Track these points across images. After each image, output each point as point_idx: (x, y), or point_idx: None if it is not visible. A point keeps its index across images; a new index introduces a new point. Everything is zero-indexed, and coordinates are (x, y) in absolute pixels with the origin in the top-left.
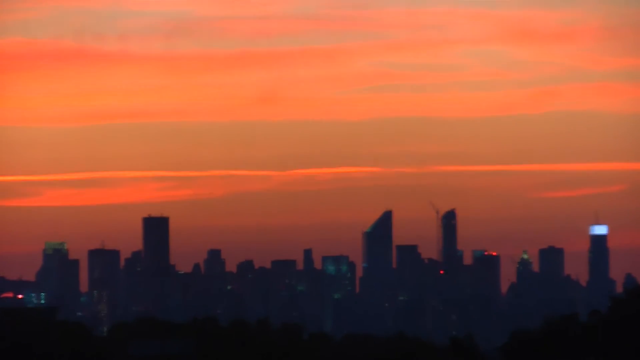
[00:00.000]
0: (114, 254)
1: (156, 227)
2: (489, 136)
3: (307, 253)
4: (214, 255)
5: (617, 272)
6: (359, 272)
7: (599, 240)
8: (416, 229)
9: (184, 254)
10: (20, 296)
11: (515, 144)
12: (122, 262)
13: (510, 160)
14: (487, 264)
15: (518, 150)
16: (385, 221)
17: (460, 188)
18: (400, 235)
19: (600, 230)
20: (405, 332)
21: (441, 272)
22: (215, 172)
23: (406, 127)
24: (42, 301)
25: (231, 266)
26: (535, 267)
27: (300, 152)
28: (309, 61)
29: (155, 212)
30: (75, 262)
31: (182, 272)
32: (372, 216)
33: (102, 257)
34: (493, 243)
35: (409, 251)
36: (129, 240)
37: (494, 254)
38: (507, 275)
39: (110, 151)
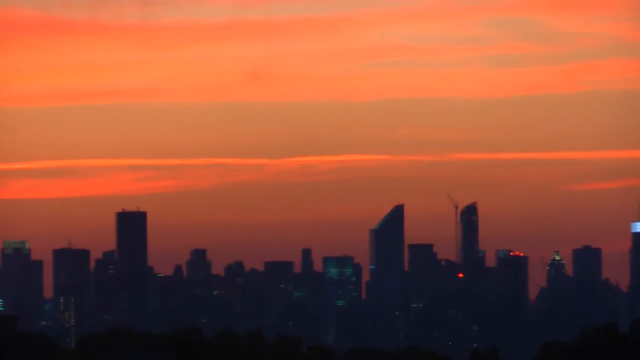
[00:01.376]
0: (83, 254)
1: (132, 224)
2: (516, 119)
3: (306, 254)
4: (199, 256)
5: None
6: (366, 276)
7: None
8: (431, 225)
9: (164, 255)
10: None
11: (546, 128)
12: (92, 264)
13: (541, 147)
14: (513, 266)
15: (550, 136)
16: (395, 217)
17: (482, 179)
18: (413, 233)
19: None
20: (419, 345)
21: (460, 275)
22: (199, 160)
23: (421, 109)
24: (0, 309)
25: (218, 269)
26: (569, 270)
27: (298, 138)
28: (309, 32)
29: (131, 207)
30: (39, 264)
31: (162, 275)
32: (380, 211)
33: (70, 258)
34: (520, 242)
35: (423, 251)
36: (101, 238)
37: (521, 254)
38: (537, 280)
39: (78, 136)
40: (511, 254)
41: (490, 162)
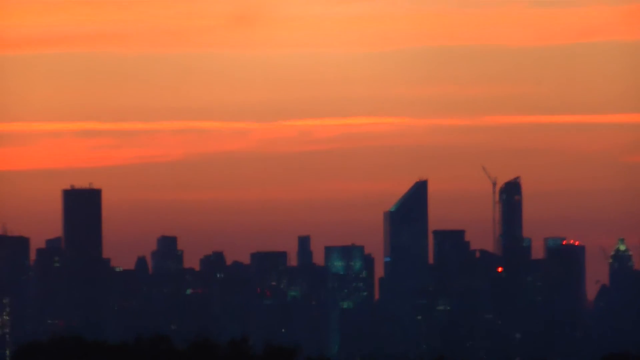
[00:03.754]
0: (21, 242)
1: (83, 204)
2: (568, 73)
3: (303, 242)
4: (168, 245)
5: None
6: (379, 271)
7: None
8: (463, 207)
9: (124, 244)
10: None
11: (605, 84)
12: (33, 255)
13: (600, 107)
14: (567, 258)
15: (610, 94)
16: (417, 196)
17: (527, 148)
18: (440, 216)
19: None
20: (447, 357)
21: (499, 269)
22: (169, 123)
23: (449, 60)
24: None
25: (192, 261)
26: (637, 263)
27: (294, 97)
28: None
29: (82, 182)
30: None
31: (121, 270)
32: (398, 188)
33: (4, 248)
34: (575, 228)
35: (452, 239)
36: (44, 223)
37: (577, 244)
38: (596, 275)
39: (14, 94)
40: (564, 242)
41: (537, 127)
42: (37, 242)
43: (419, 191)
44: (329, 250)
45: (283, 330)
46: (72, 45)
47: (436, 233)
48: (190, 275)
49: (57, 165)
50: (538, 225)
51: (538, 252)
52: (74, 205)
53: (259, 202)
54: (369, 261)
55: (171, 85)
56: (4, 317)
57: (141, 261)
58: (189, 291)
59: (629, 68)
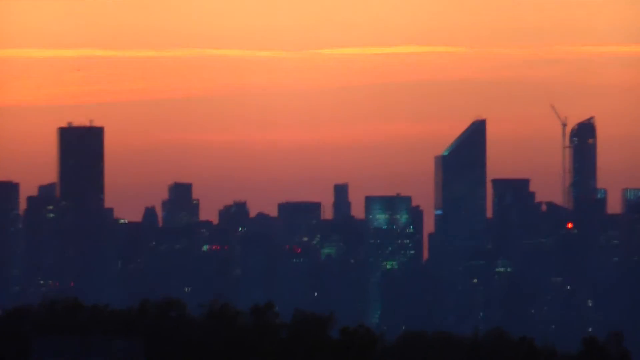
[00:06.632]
0: (9, 189)
1: (82, 145)
2: None
3: (340, 192)
4: (181, 194)
5: None
6: (429, 226)
7: None
8: (527, 152)
9: (129, 192)
10: None
11: None
12: (24, 204)
13: None
14: None
15: None
16: (473, 138)
17: (603, 83)
18: (500, 162)
19: None
20: (507, 327)
21: (569, 225)
22: (183, 51)
23: None
24: None
25: (209, 212)
26: None
27: (328, 20)
28: None
29: (81, 119)
30: None
31: (125, 222)
32: (451, 130)
33: None
34: None
35: (515, 190)
36: (36, 166)
37: None
38: None
39: (1, 18)
40: None
41: (615, 59)
42: (27, 189)
43: (476, 133)
44: (369, 201)
45: (315, 294)
46: None
47: (496, 182)
48: (207, 229)
49: (52, 100)
50: (615, 174)
51: (615, 205)
52: (72, 146)
53: (288, 144)
54: (416, 214)
55: (187, 6)
56: None
57: (150, 212)
58: (205, 248)
59: None
